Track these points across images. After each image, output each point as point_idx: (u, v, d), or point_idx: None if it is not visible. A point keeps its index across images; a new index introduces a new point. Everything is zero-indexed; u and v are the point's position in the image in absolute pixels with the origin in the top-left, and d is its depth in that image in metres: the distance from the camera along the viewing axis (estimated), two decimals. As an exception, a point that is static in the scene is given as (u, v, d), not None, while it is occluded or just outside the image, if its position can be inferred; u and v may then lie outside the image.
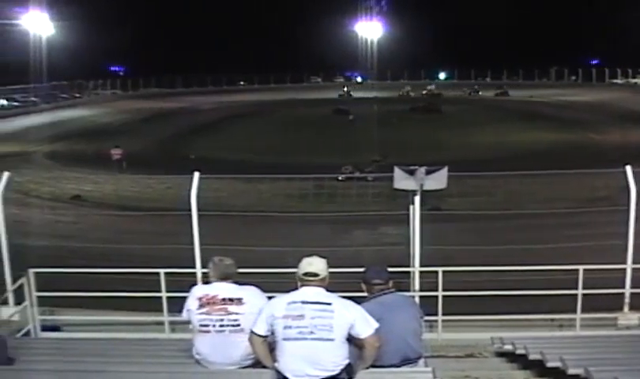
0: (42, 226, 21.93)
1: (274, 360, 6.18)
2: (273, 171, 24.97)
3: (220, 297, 6.52)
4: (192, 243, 10.68)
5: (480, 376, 8.31)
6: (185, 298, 6.82)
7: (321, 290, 6.15)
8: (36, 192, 30.87)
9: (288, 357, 6.03)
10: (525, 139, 51.60)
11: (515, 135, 53.81)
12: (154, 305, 10.75)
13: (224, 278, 6.65)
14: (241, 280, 6.78)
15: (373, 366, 6.22)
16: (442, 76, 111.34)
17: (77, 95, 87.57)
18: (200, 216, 10.63)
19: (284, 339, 6.03)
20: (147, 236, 20.33)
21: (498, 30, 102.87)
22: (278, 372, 6.11)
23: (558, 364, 7.32)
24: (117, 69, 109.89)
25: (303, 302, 6.05)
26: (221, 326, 6.48)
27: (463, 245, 16.14)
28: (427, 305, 9.27)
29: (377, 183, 25.69)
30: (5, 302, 10.86)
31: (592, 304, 10.22)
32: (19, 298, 10.85)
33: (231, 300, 6.50)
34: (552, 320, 10.72)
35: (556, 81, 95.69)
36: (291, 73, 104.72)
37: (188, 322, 6.87)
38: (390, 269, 7.08)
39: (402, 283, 9.89)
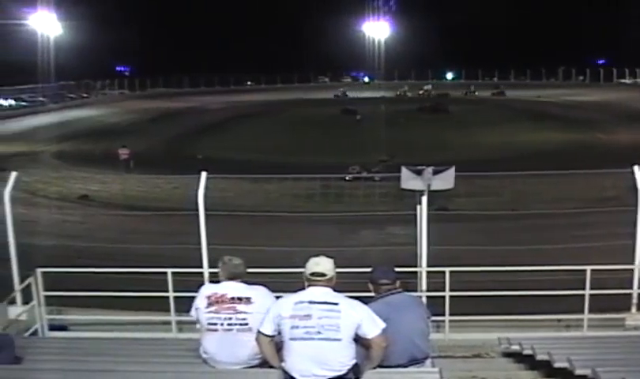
0: (49, 225, 21.98)
1: (281, 360, 6.19)
2: (280, 171, 24.86)
3: (229, 296, 6.53)
4: (199, 243, 10.69)
5: (487, 376, 8.30)
6: (192, 297, 6.83)
7: (329, 290, 6.15)
8: (44, 191, 30.94)
9: (295, 357, 6.03)
10: (533, 139, 51.46)
11: (523, 135, 53.65)
12: (161, 305, 10.78)
13: (232, 277, 6.66)
14: (249, 280, 6.78)
15: (380, 366, 6.22)
16: (449, 76, 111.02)
17: (85, 95, 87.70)
18: (207, 216, 10.64)
19: (291, 339, 6.04)
20: (154, 236, 20.37)
21: (506, 30, 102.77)
22: (285, 372, 6.12)
23: (565, 364, 7.31)
24: (122, 69, 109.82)
25: (310, 302, 6.05)
26: (229, 325, 6.48)
27: (470, 246, 16.11)
28: (434, 306, 9.26)
29: (384, 183, 25.65)
30: (12, 302, 10.89)
31: (599, 304, 10.19)
32: (27, 298, 10.88)
33: (239, 299, 6.51)
34: (559, 320, 10.70)
35: (564, 81, 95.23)
36: (298, 73, 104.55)
37: (195, 322, 6.88)
38: (397, 269, 7.08)
39: (409, 283, 9.89)
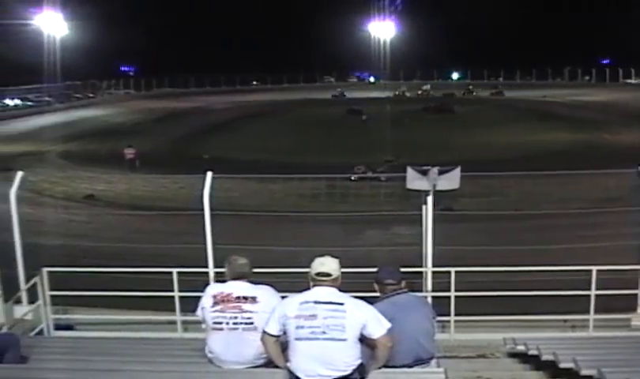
0: (55, 225, 22.01)
1: (286, 360, 6.19)
2: (286, 171, 24.92)
3: (235, 295, 6.54)
4: (204, 243, 10.70)
5: (492, 376, 8.29)
6: (197, 297, 6.84)
7: (334, 290, 6.15)
8: (50, 191, 31.03)
9: (300, 357, 6.04)
10: (539, 139, 51.40)
11: (528, 135, 53.58)
12: (167, 305, 10.78)
13: (238, 277, 6.66)
14: (255, 280, 6.79)
15: (385, 366, 6.22)
16: (455, 76, 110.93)
17: (91, 95, 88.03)
18: (212, 216, 10.63)
19: (297, 339, 6.04)
20: (159, 236, 20.40)
21: (512, 30, 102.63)
22: (290, 372, 6.12)
23: (570, 365, 7.29)
24: (127, 69, 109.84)
25: (316, 302, 6.06)
26: (235, 324, 6.49)
27: (475, 246, 16.08)
28: (440, 306, 9.26)
29: (389, 183, 25.65)
30: (18, 301, 10.90)
31: (605, 305, 10.17)
32: (32, 297, 10.90)
33: (245, 298, 6.52)
34: (565, 320, 10.68)
35: (570, 81, 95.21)
36: (304, 73, 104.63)
37: (201, 322, 6.89)
38: (403, 269, 7.08)
39: (415, 283, 9.89)
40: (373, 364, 6.17)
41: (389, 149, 39.81)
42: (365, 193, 29.03)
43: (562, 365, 7.46)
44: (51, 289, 10.75)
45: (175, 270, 10.53)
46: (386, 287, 6.81)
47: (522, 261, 11.36)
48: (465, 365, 8.71)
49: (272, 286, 6.82)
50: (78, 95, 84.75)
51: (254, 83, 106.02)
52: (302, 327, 6.01)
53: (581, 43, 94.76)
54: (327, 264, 6.23)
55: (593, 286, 9.96)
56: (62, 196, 30.82)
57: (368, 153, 39.99)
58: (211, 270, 10.52)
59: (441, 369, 6.48)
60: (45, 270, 10.71)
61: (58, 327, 10.96)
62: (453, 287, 10.19)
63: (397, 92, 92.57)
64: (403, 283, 6.90)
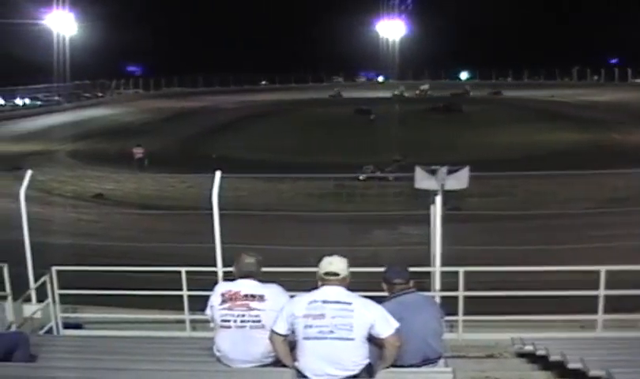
0: (64, 224, 22.09)
1: (294, 359, 6.21)
2: (294, 171, 25.03)
3: (243, 293, 6.54)
4: (213, 242, 10.72)
5: (500, 376, 8.28)
6: (206, 296, 6.85)
7: (342, 290, 6.16)
8: (59, 190, 31.16)
9: (309, 356, 6.05)
10: (547, 139, 51.23)
11: (537, 135, 53.39)
12: (175, 304, 10.81)
13: (245, 275, 6.67)
14: (263, 279, 6.79)
15: (393, 366, 6.22)
16: (464, 76, 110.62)
17: (100, 94, 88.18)
18: (221, 215, 10.66)
19: (305, 339, 6.05)
20: (168, 235, 20.46)
21: (520, 30, 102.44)
22: (298, 371, 6.13)
23: (579, 365, 7.28)
24: (134, 69, 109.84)
25: (324, 302, 6.06)
26: (242, 321, 6.49)
27: (483, 246, 16.07)
28: (447, 305, 9.25)
29: (398, 183, 25.63)
30: (27, 300, 10.95)
31: (613, 305, 10.15)
32: (41, 296, 10.95)
33: (253, 296, 6.52)
34: (573, 321, 10.66)
35: (578, 81, 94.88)
36: (312, 73, 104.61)
37: (209, 321, 6.90)
38: (411, 269, 7.08)
39: (423, 282, 9.89)
40: (381, 364, 6.17)
41: (397, 149, 39.77)
42: (373, 193, 29.03)
43: (571, 366, 7.44)
44: (60, 288, 10.79)
45: (183, 269, 10.55)
46: (394, 287, 6.81)
47: (530, 261, 11.36)
48: (473, 365, 8.71)
49: (280, 285, 6.83)
50: (87, 95, 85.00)
51: (263, 82, 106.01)
52: (310, 326, 6.02)
53: (590, 43, 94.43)
54: (335, 264, 6.24)
55: (602, 286, 9.93)
56: (71, 195, 30.96)
57: (376, 153, 39.94)
58: (220, 269, 10.54)
59: (449, 369, 6.47)
60: (54, 269, 10.75)
61: (67, 325, 11.00)
62: (461, 287, 10.19)
63: (395, 92, 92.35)
64: (411, 283, 6.90)
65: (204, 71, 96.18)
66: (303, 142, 51.75)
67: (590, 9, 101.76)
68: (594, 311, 10.10)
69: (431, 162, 11.33)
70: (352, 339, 5.97)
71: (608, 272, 9.92)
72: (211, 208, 10.60)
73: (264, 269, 6.84)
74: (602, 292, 9.94)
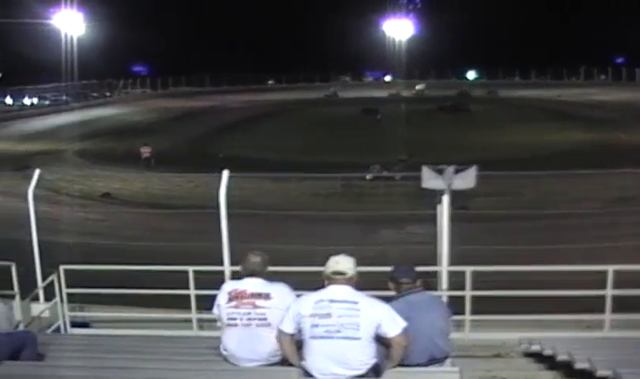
0: (72, 223, 22.13)
1: (301, 358, 6.21)
2: (301, 170, 25.02)
3: (249, 291, 6.55)
4: (220, 241, 10.73)
5: (507, 376, 8.27)
6: (213, 295, 6.86)
7: (349, 289, 6.15)
8: (67, 189, 31.23)
9: (315, 355, 6.05)
10: (554, 139, 51.09)
11: (544, 135, 53.27)
12: (182, 303, 10.83)
13: (250, 274, 6.69)
14: (270, 277, 6.80)
15: (400, 365, 6.21)
16: (470, 75, 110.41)
17: (108, 94, 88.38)
18: (228, 215, 10.67)
19: (311, 338, 6.05)
20: (175, 234, 20.50)
21: (527, 29, 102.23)
22: (305, 370, 6.14)
23: (586, 365, 7.26)
24: (140, 68, 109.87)
25: (331, 301, 6.06)
26: (248, 319, 6.49)
27: (490, 245, 16.06)
28: (454, 305, 9.25)
29: (404, 182, 25.60)
30: (35, 299, 10.99)
31: (621, 305, 10.13)
32: (49, 295, 10.98)
33: (259, 295, 6.53)
34: (581, 321, 10.64)
35: (585, 81, 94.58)
36: (319, 73, 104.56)
37: (216, 320, 6.92)
38: (418, 268, 7.08)
39: (430, 282, 9.88)
40: (388, 363, 6.17)
41: (404, 148, 39.75)
42: (380, 192, 29.03)
43: (578, 366, 7.43)
44: (68, 287, 10.83)
45: (190, 268, 10.57)
46: (402, 286, 6.81)
47: (537, 261, 11.34)
48: (480, 365, 8.69)
49: (287, 284, 6.83)
50: (95, 94, 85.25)
51: (270, 82, 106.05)
52: (317, 325, 6.02)
53: (596, 43, 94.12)
54: (342, 263, 6.24)
55: (609, 286, 9.91)
56: (78, 194, 31.02)
57: (383, 152, 39.91)
58: (227, 268, 10.55)
59: (456, 369, 6.47)
60: (62, 268, 10.78)
61: (75, 324, 11.03)
62: (468, 287, 10.18)
63: (391, 92, 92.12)
64: (418, 282, 6.90)
65: (211, 71, 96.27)
66: (309, 142, 51.75)
67: (596, 9, 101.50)
68: (601, 311, 10.08)
69: (438, 161, 11.33)
70: (358, 339, 5.96)
71: (616, 272, 9.90)
72: (217, 208, 10.61)
73: (271, 268, 6.85)
74: (609, 292, 9.92)
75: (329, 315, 6.00)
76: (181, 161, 42.43)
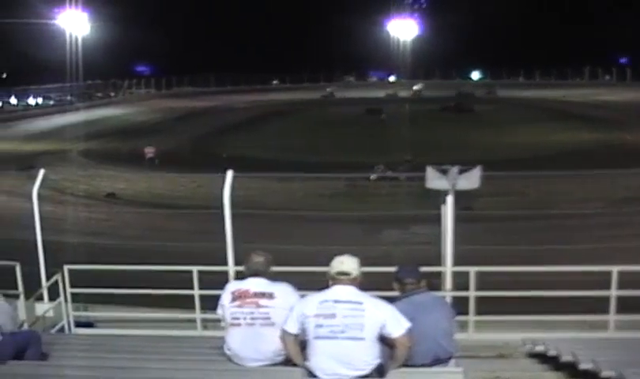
0: (76, 223, 22.15)
1: (305, 358, 6.21)
2: (305, 170, 25.00)
3: (252, 291, 6.56)
4: (224, 241, 10.73)
5: (511, 377, 8.25)
6: (217, 295, 6.87)
7: (353, 289, 6.15)
8: (71, 189, 31.25)
9: (319, 356, 6.04)
10: (558, 139, 51.03)
11: (548, 135, 53.22)
12: (186, 303, 10.83)
13: (254, 274, 6.69)
14: (273, 278, 6.80)
15: (404, 366, 6.20)
16: (475, 75, 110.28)
17: (112, 94, 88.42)
18: (232, 215, 10.67)
19: (315, 338, 6.04)
20: (179, 234, 20.51)
21: (531, 30, 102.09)
22: (309, 370, 6.13)
23: (590, 366, 7.25)
24: (143, 68, 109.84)
25: (335, 301, 6.05)
26: (252, 319, 6.50)
27: (494, 245, 16.05)
28: (458, 305, 9.24)
29: (409, 182, 25.60)
30: (39, 298, 11.01)
31: (625, 305, 10.11)
32: (53, 295, 10.99)
33: (262, 294, 6.54)
34: (585, 321, 10.62)
35: (590, 81, 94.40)
36: (324, 73, 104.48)
37: (220, 320, 6.92)
38: (422, 269, 7.07)
39: (435, 282, 9.87)
40: (392, 363, 6.16)
41: (408, 148, 39.71)
42: (384, 193, 29.01)
43: (582, 367, 7.42)
44: (72, 286, 10.83)
45: (195, 268, 10.57)
46: (406, 286, 6.80)
47: (542, 261, 11.32)
48: (484, 365, 8.67)
49: (291, 284, 6.83)
50: (99, 94, 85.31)
51: (274, 82, 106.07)
52: (321, 326, 6.01)
53: (601, 43, 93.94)
54: (346, 263, 6.23)
55: (614, 286, 9.89)
56: (83, 194, 31.06)
57: (387, 152, 39.88)
58: (231, 268, 10.55)
59: (460, 369, 6.47)
60: (66, 267, 10.79)
61: (79, 324, 11.05)
62: (472, 287, 10.17)
63: (388, 92, 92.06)
64: (422, 283, 6.89)
65: (215, 71, 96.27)
66: (314, 142, 51.76)
67: (599, 9, 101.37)
68: (606, 311, 10.06)
69: (442, 161, 11.32)
70: (362, 339, 5.96)
71: (620, 272, 9.88)
72: (222, 208, 10.61)
73: (275, 269, 6.85)
74: (614, 292, 9.91)
75: (333, 315, 5.99)
76: (185, 161, 42.47)
